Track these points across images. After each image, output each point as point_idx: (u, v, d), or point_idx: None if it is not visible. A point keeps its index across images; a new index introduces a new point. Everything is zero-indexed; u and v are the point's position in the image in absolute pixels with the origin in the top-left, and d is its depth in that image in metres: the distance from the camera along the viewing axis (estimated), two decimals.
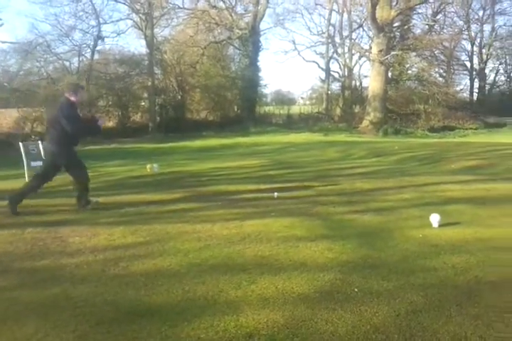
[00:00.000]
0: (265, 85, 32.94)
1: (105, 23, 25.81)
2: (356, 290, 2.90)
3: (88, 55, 25.69)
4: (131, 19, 26.56)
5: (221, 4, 27.55)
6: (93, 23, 25.27)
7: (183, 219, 4.96)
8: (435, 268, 3.27)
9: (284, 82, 71.69)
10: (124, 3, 25.94)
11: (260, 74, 29.71)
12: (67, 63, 25.37)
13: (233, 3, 28.17)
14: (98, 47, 25.92)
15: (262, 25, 29.60)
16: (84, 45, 25.46)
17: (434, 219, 4.40)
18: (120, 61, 25.85)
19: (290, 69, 74.64)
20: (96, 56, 26.09)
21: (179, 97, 27.06)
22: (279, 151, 14.18)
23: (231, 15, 27.17)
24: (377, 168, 9.58)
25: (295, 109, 34.54)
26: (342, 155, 12.70)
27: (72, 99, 4.99)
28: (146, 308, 2.68)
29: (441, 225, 4.38)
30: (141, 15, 25.29)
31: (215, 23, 27.16)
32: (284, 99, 39.72)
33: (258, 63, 28.51)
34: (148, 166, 9.28)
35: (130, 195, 6.51)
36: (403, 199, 6.00)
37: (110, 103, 26.41)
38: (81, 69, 24.85)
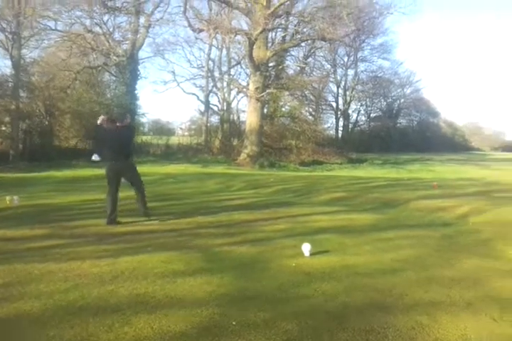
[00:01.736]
0: (143, 114, 32.35)
1: None
2: (234, 323, 2.90)
3: None
4: None
5: (98, 29, 26.70)
6: None
7: (47, 257, 4.50)
8: (307, 296, 3.44)
9: (164, 112, 71.32)
10: None
11: (138, 102, 29.11)
12: None
13: (111, 30, 27.50)
14: None
15: (141, 54, 29.36)
16: None
17: (306, 248, 4.66)
18: None
19: (170, 100, 74.82)
20: None
21: (46, 123, 25.10)
22: (158, 183, 13.86)
23: (108, 42, 26.44)
24: (254, 199, 9.89)
25: (174, 140, 34.37)
26: (221, 186, 12.88)
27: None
28: None
29: (312, 254, 4.66)
30: (7, 33, 23.28)
31: (91, 47, 26.17)
32: (162, 129, 39.38)
33: (136, 91, 27.96)
34: (7, 198, 8.30)
35: None
36: (278, 229, 6.26)
37: None
38: None
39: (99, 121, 6.65)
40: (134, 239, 5.49)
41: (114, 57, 26.24)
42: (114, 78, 28.76)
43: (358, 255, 4.73)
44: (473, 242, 5.81)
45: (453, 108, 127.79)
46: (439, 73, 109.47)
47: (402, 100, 55.29)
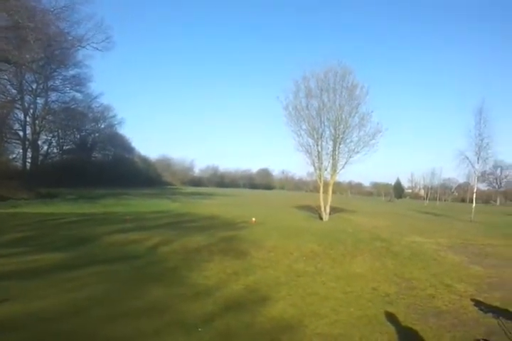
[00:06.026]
0: None
1: None
2: None
3: None
4: None
5: None
6: None
7: None
8: None
9: None
10: None
11: None
12: None
13: None
14: None
15: None
16: None
17: None
18: None
19: None
20: None
21: None
22: None
23: None
24: None
25: None
26: None
27: None
28: None
29: None
30: None
31: None
32: None
33: None
34: None
35: None
36: None
37: None
38: None
39: None
40: None
41: None
42: None
43: (43, 299, 4.40)
44: (161, 271, 6.30)
45: (146, 143, 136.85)
46: (133, 109, 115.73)
47: (97, 134, 55.45)
